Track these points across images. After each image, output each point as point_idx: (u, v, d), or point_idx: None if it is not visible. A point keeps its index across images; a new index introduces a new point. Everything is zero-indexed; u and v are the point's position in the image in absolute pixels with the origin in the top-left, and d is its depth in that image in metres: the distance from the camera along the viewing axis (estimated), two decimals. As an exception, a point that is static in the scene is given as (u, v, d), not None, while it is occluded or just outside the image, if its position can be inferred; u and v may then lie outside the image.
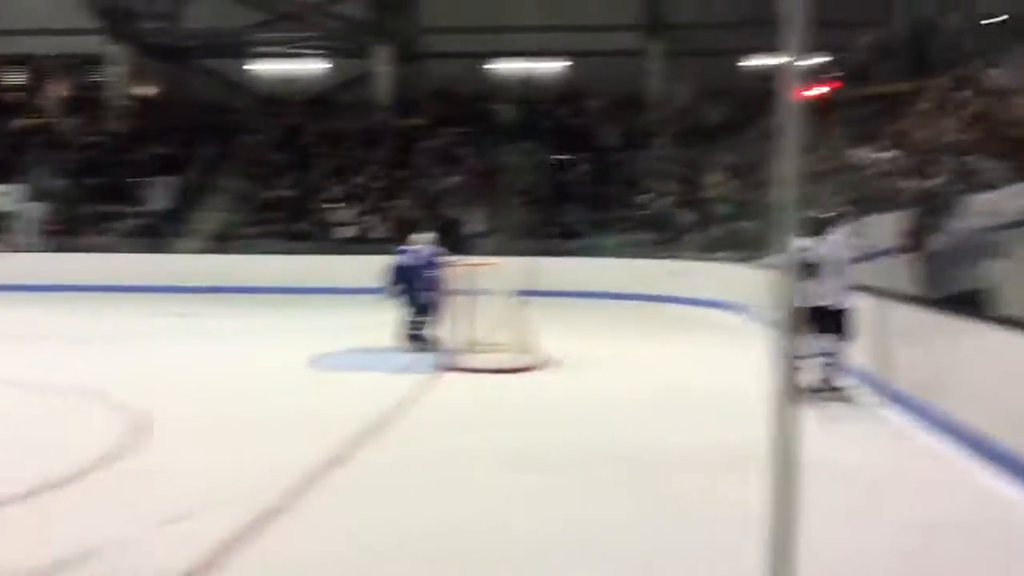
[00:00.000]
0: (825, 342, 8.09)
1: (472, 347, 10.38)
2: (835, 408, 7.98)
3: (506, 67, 26.34)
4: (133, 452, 6.49)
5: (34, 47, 26.79)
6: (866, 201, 8.49)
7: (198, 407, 8.12)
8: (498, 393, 8.87)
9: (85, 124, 25.37)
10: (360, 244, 20.53)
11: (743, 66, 24.11)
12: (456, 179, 22.99)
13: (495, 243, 20.14)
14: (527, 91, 25.71)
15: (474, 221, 21.50)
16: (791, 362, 1.27)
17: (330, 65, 27.02)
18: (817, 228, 8.25)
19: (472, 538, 4.82)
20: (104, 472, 5.99)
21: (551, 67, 26.36)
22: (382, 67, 25.73)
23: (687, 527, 5.00)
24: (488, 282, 10.51)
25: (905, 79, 8.73)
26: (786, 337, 1.27)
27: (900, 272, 8.27)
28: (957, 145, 7.69)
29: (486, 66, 26.31)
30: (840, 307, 8.09)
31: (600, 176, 22.77)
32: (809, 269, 8.09)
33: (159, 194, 22.65)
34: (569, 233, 21.24)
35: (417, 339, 11.47)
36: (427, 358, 10.46)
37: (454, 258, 11.71)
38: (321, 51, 26.59)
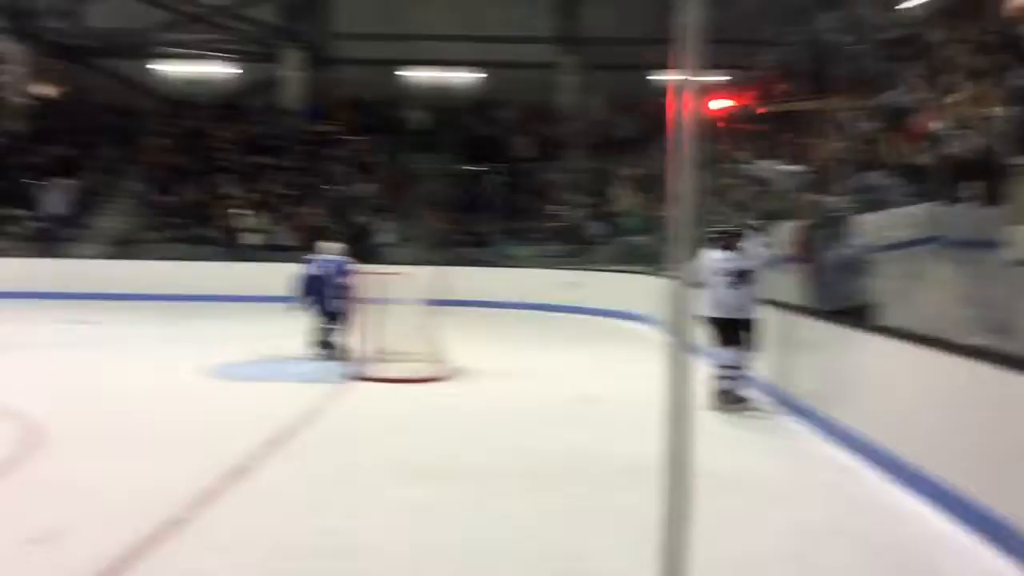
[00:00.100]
0: (732, 353, 8.26)
1: (381, 357, 10.28)
2: (738, 417, 8.15)
3: (419, 75, 26.24)
4: (23, 465, 6.23)
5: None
6: (771, 215, 8.70)
7: (94, 418, 7.84)
8: (406, 403, 8.81)
9: (-19, 124, 24.38)
10: (267, 251, 20.19)
11: (654, 80, 24.54)
12: (367, 187, 22.80)
13: (406, 252, 20.05)
14: (440, 100, 25.66)
15: (385, 230, 21.35)
16: (683, 372, 1.27)
17: (239, 69, 26.50)
18: (725, 240, 8.43)
19: (369, 553, 4.75)
20: (-11, 487, 5.74)
21: (464, 77, 26.37)
22: (292, 72, 25.37)
23: (583, 536, 5.02)
24: (398, 291, 10.43)
25: (806, 97, 8.99)
26: (678, 347, 1.27)
27: (794, 284, 8.53)
28: (854, 163, 7.96)
29: (399, 74, 26.16)
30: (747, 318, 8.28)
31: (512, 186, 22.87)
32: (715, 280, 8.27)
33: (58, 197, 21.86)
34: (481, 243, 21.27)
35: (326, 348, 11.31)
36: (336, 367, 10.33)
37: (364, 267, 11.60)
38: (229, 54, 26.06)
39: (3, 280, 18.43)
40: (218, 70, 26.24)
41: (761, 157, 10.39)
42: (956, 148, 6.58)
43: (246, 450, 6.59)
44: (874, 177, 7.63)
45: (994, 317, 5.34)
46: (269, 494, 5.75)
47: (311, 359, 11.09)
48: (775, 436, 7.65)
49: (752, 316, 8.29)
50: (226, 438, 7.05)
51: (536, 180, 22.81)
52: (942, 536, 5.03)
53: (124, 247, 20.41)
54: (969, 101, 6.51)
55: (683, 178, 1.26)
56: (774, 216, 8.60)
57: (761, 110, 10.50)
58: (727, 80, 14.45)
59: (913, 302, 6.60)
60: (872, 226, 7.33)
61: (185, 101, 25.46)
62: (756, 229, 8.32)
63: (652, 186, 16.74)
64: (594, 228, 20.62)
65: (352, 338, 10.71)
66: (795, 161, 9.44)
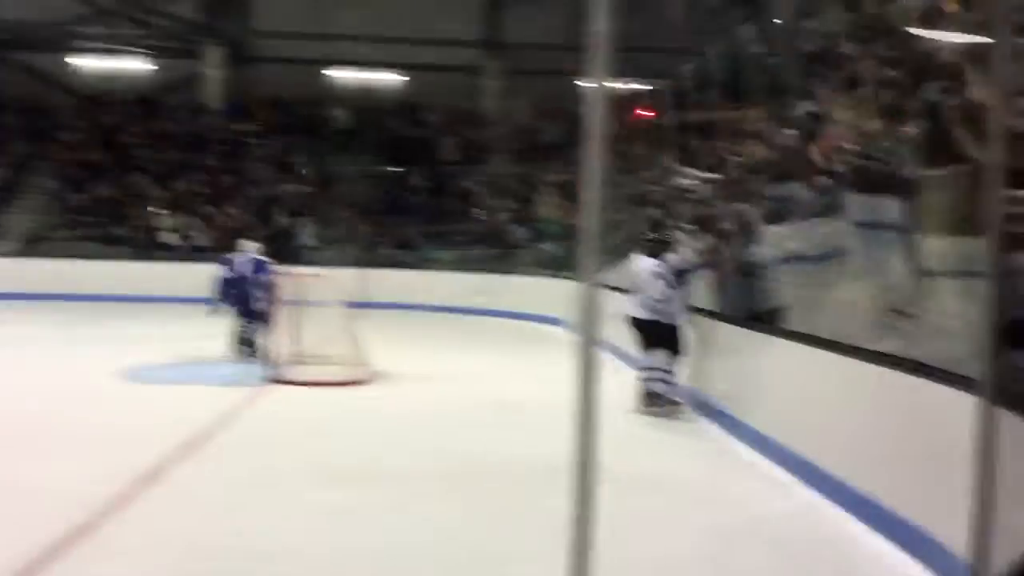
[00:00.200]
0: (659, 356, 8.40)
1: (301, 359, 10.19)
2: (661, 420, 8.30)
3: (342, 76, 26.00)
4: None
5: None
6: (692, 222, 8.89)
7: (1, 420, 7.60)
8: (326, 406, 8.74)
9: None
10: (184, 251, 19.81)
11: (579, 87, 24.78)
12: (288, 188, 22.53)
13: (327, 254, 19.87)
14: (363, 101, 25.48)
15: (306, 231, 21.12)
16: (591, 374, 1.31)
17: (157, 65, 25.88)
18: (653, 247, 8.58)
19: (290, 558, 4.70)
20: None
21: (388, 79, 26.22)
22: (212, 69, 24.94)
23: (505, 539, 5.06)
24: (319, 294, 10.34)
25: (724, 108, 9.20)
26: (587, 351, 1.31)
27: (708, 290, 8.74)
28: (768, 173, 8.17)
29: (322, 74, 25.87)
30: (674, 323, 8.44)
31: (436, 189, 22.85)
32: (643, 285, 8.41)
33: (-36, 193, 21.13)
34: (403, 246, 21.20)
35: (246, 350, 11.16)
36: (255, 370, 10.18)
37: (285, 268, 11.47)
38: (147, 50, 25.45)
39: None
40: (136, 66, 25.58)
41: (680, 165, 10.59)
42: (867, 161, 6.79)
43: (160, 454, 6.46)
44: (787, 188, 7.84)
45: (902, 325, 5.53)
46: (184, 498, 5.65)
47: (230, 361, 10.92)
48: (694, 439, 7.79)
49: (679, 321, 8.45)
50: (140, 442, 6.90)
51: (460, 184, 22.84)
52: (856, 539, 5.15)
53: (35, 245, 19.80)
54: (880, 114, 6.73)
55: (593, 185, 1.31)
56: (694, 223, 8.77)
57: (680, 119, 10.72)
58: (648, 89, 14.69)
59: (822, 309, 6.81)
60: (782, 237, 7.54)
61: (101, 97, 24.79)
62: (684, 236, 8.49)
63: (574, 193, 16.86)
64: (517, 233, 20.72)
65: (272, 340, 10.58)
66: (711, 170, 9.66)
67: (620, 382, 8.92)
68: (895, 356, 5.31)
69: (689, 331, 8.51)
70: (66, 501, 5.36)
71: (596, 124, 1.30)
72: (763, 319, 7.63)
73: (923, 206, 5.47)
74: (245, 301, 11.09)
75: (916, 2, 6.48)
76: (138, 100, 24.75)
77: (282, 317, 10.39)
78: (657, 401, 8.44)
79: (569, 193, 17.93)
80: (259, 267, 11.28)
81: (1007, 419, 3.57)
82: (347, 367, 9.93)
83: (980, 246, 2.26)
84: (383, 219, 21.74)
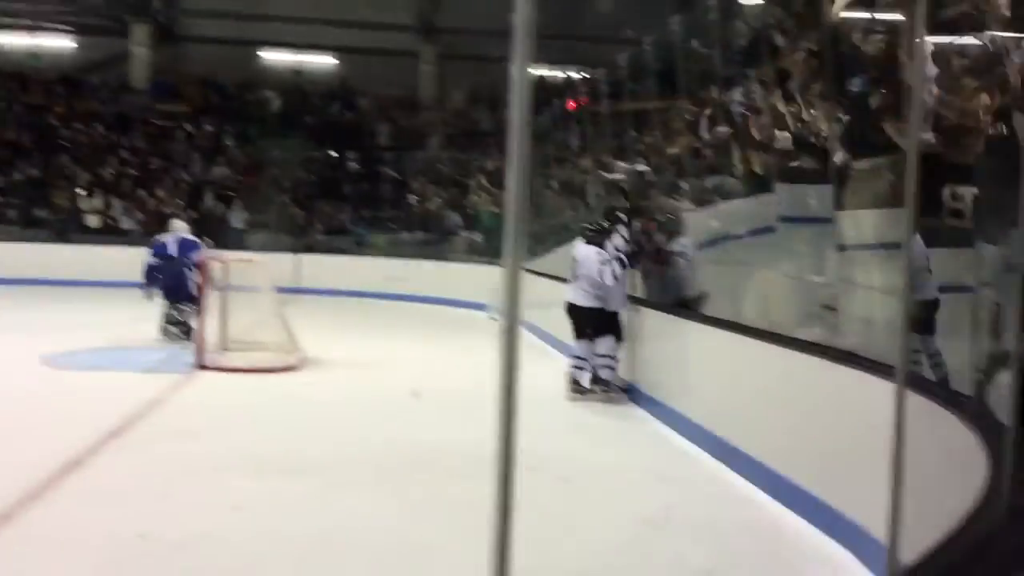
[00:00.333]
0: (604, 344, 8.47)
1: (230, 346, 10.03)
2: (593, 406, 8.37)
3: (275, 58, 25.59)
4: None
5: None
6: (625, 212, 8.97)
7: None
8: (253, 394, 8.61)
9: None
10: (109, 235, 19.33)
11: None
12: (218, 170, 22.12)
13: (258, 239, 19.60)
14: (296, 84, 25.13)
15: (236, 215, 20.79)
16: (514, 361, 1.31)
17: (81, 42, 25.14)
18: (593, 235, 8.63)
19: (216, 547, 4.63)
20: None
21: (322, 62, 25.89)
22: (139, 48, 24.32)
23: (430, 527, 5.04)
24: (249, 279, 10.19)
25: (655, 98, 9.27)
26: (511, 338, 1.31)
27: (638, 279, 8.84)
28: (697, 164, 8.27)
29: (254, 55, 25.44)
30: (612, 310, 8.51)
31: (370, 175, 22.66)
32: (582, 273, 8.47)
33: None
34: (336, 230, 21.01)
35: (174, 335, 10.95)
36: (181, 356, 9.97)
37: (214, 253, 11.28)
38: (71, 26, 24.72)
39: None
40: (59, 43, 24.83)
41: (613, 155, 10.66)
42: (795, 151, 6.92)
43: (82, 442, 6.29)
44: (716, 179, 7.96)
45: (828, 316, 5.66)
46: (105, 486, 5.52)
47: (157, 347, 10.71)
48: (625, 426, 7.86)
49: (617, 308, 8.52)
50: (60, 429, 6.72)
51: (394, 169, 22.68)
52: (781, 524, 5.25)
53: (-50, 227, 19.18)
54: (808, 106, 6.85)
55: (517, 171, 1.30)
56: (627, 213, 8.85)
57: (613, 109, 10.78)
58: (581, 78, 14.74)
59: (746, 295, 6.93)
60: (707, 220, 7.65)
61: (23, 74, 24.01)
62: (623, 225, 8.56)
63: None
64: (452, 219, 20.67)
65: (201, 326, 10.39)
66: (642, 160, 9.75)
67: (554, 370, 8.98)
68: (819, 344, 5.43)
69: (628, 318, 8.61)
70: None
71: (520, 111, 1.29)
72: (691, 305, 7.75)
73: (849, 195, 5.59)
74: (177, 283, 10.90)
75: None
76: (61, 79, 24.03)
77: (211, 301, 10.20)
78: (589, 387, 8.51)
79: (502, 181, 17.94)
80: (189, 252, 11.08)
81: (928, 406, 3.68)
82: (276, 354, 9.81)
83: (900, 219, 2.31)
84: (315, 204, 21.51)
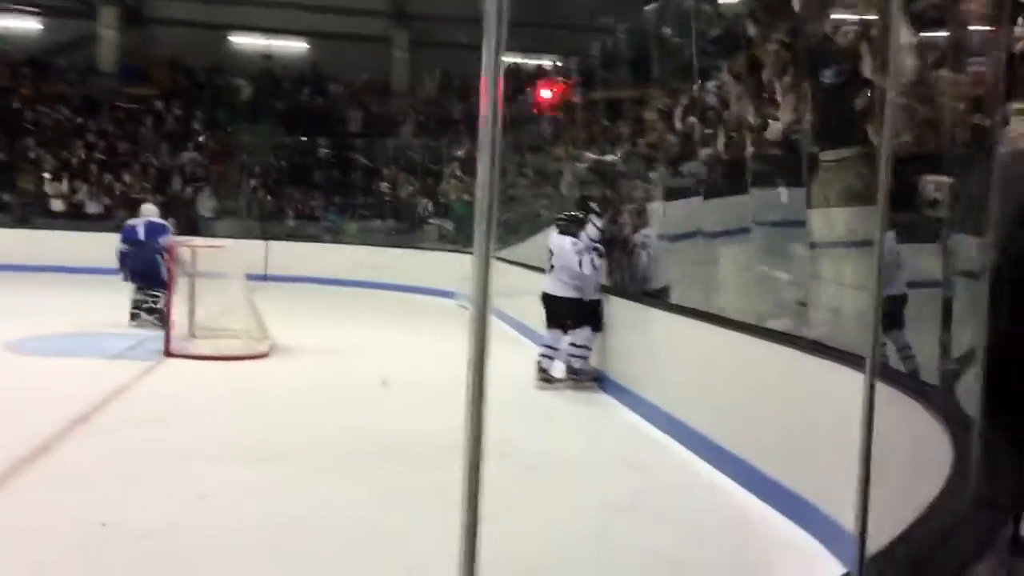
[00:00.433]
0: (581, 334, 8.49)
1: (198, 333, 9.94)
2: (563, 395, 8.40)
3: (245, 42, 25.31)
4: None
5: None
6: (597, 201, 8.99)
7: None
8: (222, 382, 8.55)
9: None
10: (76, 220, 19.08)
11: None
12: (187, 155, 21.88)
13: (227, 225, 19.44)
14: (267, 69, 24.88)
15: (205, 201, 20.59)
16: (484, 349, 1.30)
17: (48, 24, 24.71)
18: (566, 225, 8.64)
19: (186, 537, 4.58)
20: None
21: (293, 46, 25.64)
22: (106, 30, 23.95)
23: (402, 516, 5.03)
24: (218, 265, 10.10)
25: (629, 87, 9.27)
26: (480, 327, 1.30)
27: (607, 268, 8.88)
28: (670, 153, 8.28)
29: (224, 39, 25.12)
30: (587, 299, 8.53)
31: (341, 161, 22.51)
32: (558, 263, 8.48)
33: None
34: (305, 217, 20.89)
35: (147, 322, 10.85)
36: (149, 343, 9.87)
37: (183, 239, 11.17)
38: (38, 8, 24.28)
39: None
40: (25, 25, 24.40)
41: (585, 144, 10.66)
42: (767, 141, 6.93)
43: (48, 429, 6.21)
44: (688, 168, 7.97)
45: (790, 301, 5.69)
46: (71, 474, 5.45)
47: (125, 333, 10.59)
48: (594, 413, 7.90)
49: (592, 297, 8.55)
50: (26, 416, 6.62)
51: (366, 156, 22.54)
52: (750, 512, 5.29)
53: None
54: (780, 96, 6.87)
55: (487, 161, 1.28)
56: (598, 203, 8.88)
57: (585, 98, 10.78)
58: (554, 67, 14.72)
59: (715, 285, 6.96)
60: (678, 214, 7.68)
61: (-14, 55, 23.61)
62: (597, 215, 8.59)
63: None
64: (423, 207, 20.61)
65: (171, 311, 10.27)
66: (614, 150, 9.75)
67: (525, 358, 8.98)
68: (788, 334, 5.46)
69: (600, 308, 8.64)
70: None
71: (492, 99, 1.27)
72: (661, 295, 7.78)
73: (820, 188, 5.61)
74: (148, 269, 10.80)
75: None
76: (27, 61, 23.62)
77: (180, 289, 10.10)
78: (576, 377, 8.57)
79: (474, 169, 17.90)
80: (157, 231, 11.00)
81: (896, 396, 3.72)
82: (245, 341, 9.74)
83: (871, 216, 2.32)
84: (285, 190, 21.35)
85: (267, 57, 25.08)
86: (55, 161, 20.82)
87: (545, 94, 13.72)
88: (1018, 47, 3.68)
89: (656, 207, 8.31)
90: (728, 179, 6.96)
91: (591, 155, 10.07)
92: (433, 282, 16.84)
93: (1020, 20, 3.76)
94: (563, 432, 7.25)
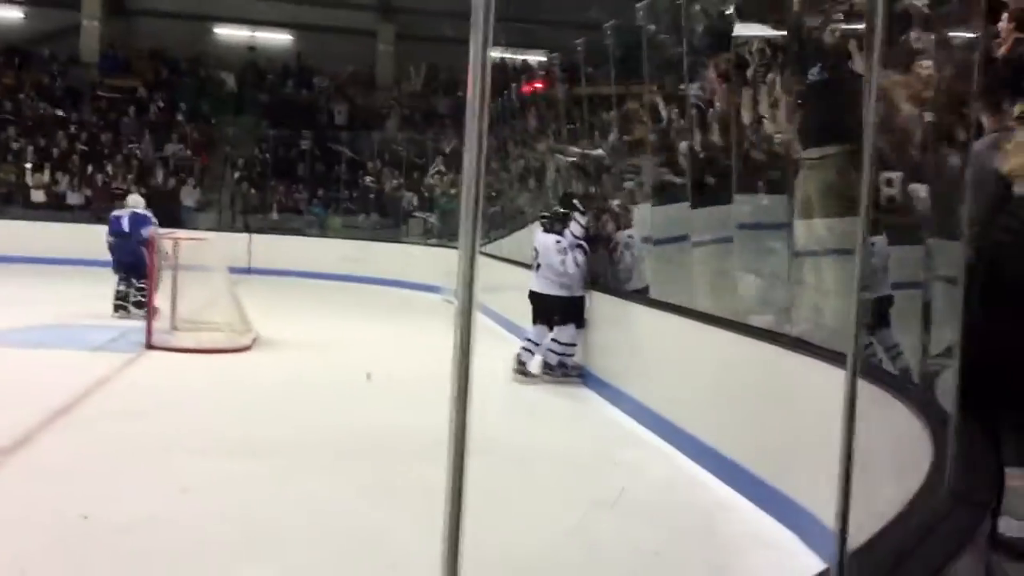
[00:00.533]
0: (567, 331, 8.50)
1: (180, 325, 9.90)
2: (547, 391, 8.40)
3: (229, 34, 25.17)
4: None
5: None
6: (582, 198, 8.99)
7: None
8: (204, 374, 8.51)
9: None
10: (57, 211, 18.94)
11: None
12: (170, 148, 21.76)
13: (210, 217, 19.35)
14: (251, 61, 24.76)
15: (188, 194, 20.48)
16: (468, 344, 1.30)
17: (30, 13, 24.48)
18: (552, 222, 8.65)
19: (168, 530, 4.56)
20: None
21: (278, 38, 25.53)
22: (89, 20, 23.77)
23: (385, 511, 5.02)
24: (200, 257, 10.06)
25: (615, 83, 9.27)
26: (465, 321, 1.30)
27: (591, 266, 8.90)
28: (655, 152, 8.28)
29: (208, 30, 24.98)
30: (572, 295, 8.54)
31: (325, 154, 22.43)
32: (544, 260, 8.49)
33: None
34: (289, 210, 20.81)
35: (126, 312, 10.80)
36: (131, 335, 9.82)
37: (166, 231, 11.11)
38: (19, -4, 24.10)
39: None
40: (8, 14, 24.18)
41: (570, 141, 10.66)
42: (754, 141, 6.94)
43: (27, 421, 6.17)
44: (672, 167, 7.98)
45: (775, 302, 5.71)
46: (51, 466, 5.41)
47: (108, 324, 10.53)
48: (577, 408, 7.91)
49: (577, 294, 8.56)
50: (6, 407, 6.57)
51: (351, 149, 22.48)
52: (732, 508, 5.31)
53: None
54: (767, 95, 6.88)
55: (473, 155, 1.29)
56: (582, 200, 8.89)
57: (571, 94, 10.76)
58: (541, 61, 14.69)
59: (698, 289, 6.98)
60: (661, 216, 7.69)
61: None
62: (580, 212, 8.61)
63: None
64: (408, 201, 20.58)
65: (154, 303, 10.22)
66: (599, 147, 9.75)
67: (509, 353, 8.98)
68: (770, 331, 5.48)
69: (585, 304, 8.66)
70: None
71: (478, 93, 1.28)
72: (643, 292, 7.79)
73: (802, 184, 5.62)
74: (134, 260, 10.76)
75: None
76: (9, 50, 23.42)
77: (163, 281, 10.05)
78: (560, 373, 8.60)
79: (459, 163, 17.88)
80: (140, 222, 10.96)
81: (877, 393, 3.74)
82: (228, 334, 9.71)
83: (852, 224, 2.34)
84: (269, 183, 21.27)
85: (251, 49, 24.96)
86: (37, 152, 20.66)
87: (530, 88, 13.70)
88: (1000, 51, 3.71)
89: (641, 210, 8.32)
90: (713, 187, 6.94)
91: (576, 149, 10.06)
92: (418, 276, 16.82)
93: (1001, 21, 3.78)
94: (546, 427, 7.26)
